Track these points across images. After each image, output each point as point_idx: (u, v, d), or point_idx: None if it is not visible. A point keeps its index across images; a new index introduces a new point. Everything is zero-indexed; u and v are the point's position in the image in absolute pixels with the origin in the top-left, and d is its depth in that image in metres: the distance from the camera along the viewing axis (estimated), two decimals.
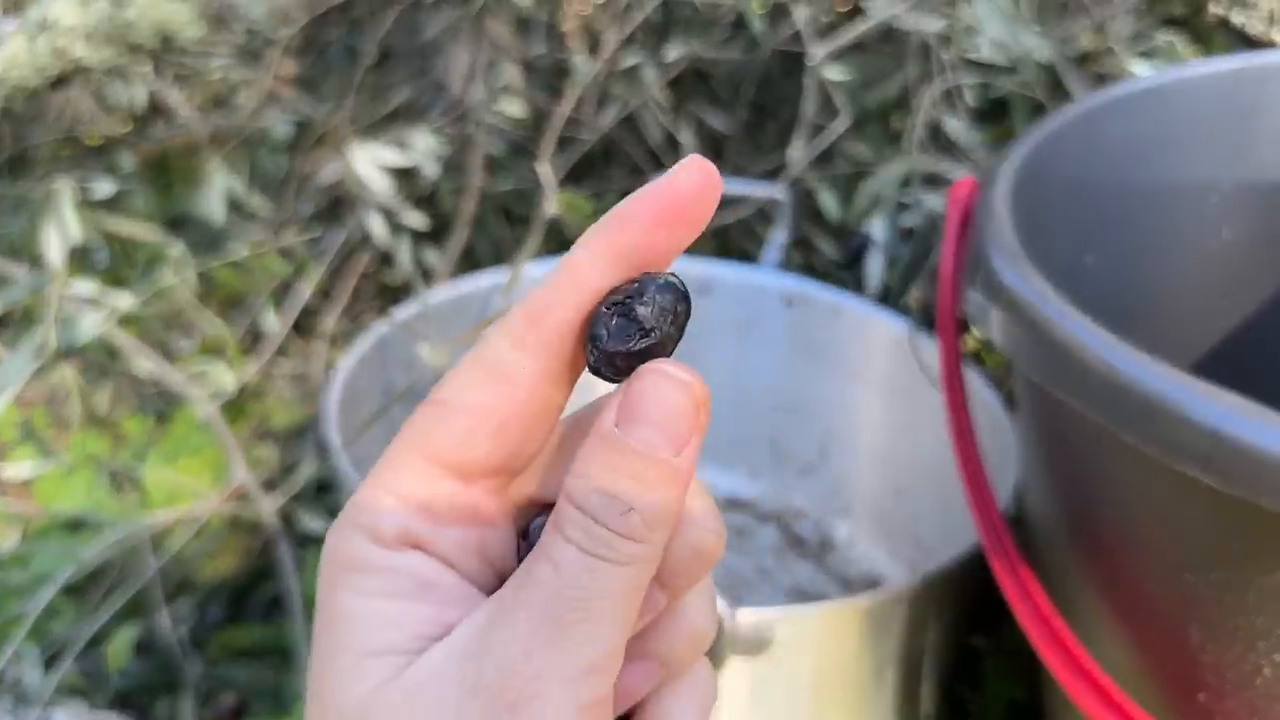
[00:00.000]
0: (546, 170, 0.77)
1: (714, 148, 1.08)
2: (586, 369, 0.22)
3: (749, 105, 1.03)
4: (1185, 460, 0.39)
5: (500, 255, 1.07)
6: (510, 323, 0.21)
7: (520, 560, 0.21)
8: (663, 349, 0.21)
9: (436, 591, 0.21)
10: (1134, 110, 0.67)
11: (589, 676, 0.20)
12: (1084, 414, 0.43)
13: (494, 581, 0.22)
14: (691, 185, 0.21)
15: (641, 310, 0.20)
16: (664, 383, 0.20)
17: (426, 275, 1.03)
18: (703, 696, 0.23)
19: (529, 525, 0.23)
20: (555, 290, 0.21)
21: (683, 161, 0.21)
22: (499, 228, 1.07)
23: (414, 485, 0.21)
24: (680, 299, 0.21)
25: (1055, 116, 0.64)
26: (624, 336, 0.21)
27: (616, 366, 0.21)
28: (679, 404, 0.20)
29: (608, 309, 0.21)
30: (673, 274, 0.21)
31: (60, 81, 1.15)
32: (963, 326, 0.58)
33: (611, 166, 1.20)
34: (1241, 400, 0.38)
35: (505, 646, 0.20)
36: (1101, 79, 0.86)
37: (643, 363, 0.21)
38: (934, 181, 0.80)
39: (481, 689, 0.20)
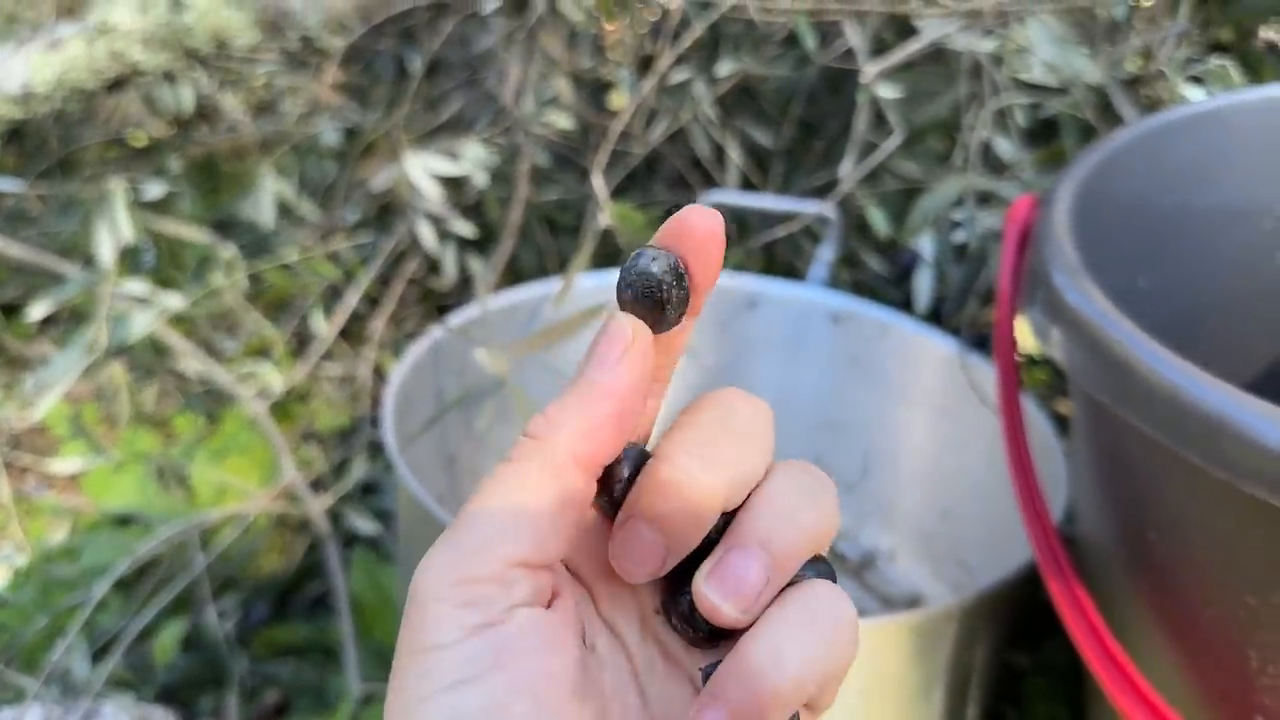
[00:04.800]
0: (600, 182, 0.78)
1: (759, 163, 1.08)
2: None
3: (795, 122, 1.03)
4: (1252, 482, 0.38)
5: (543, 264, 1.08)
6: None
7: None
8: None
9: None
10: (1192, 133, 0.67)
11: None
12: (1145, 434, 0.43)
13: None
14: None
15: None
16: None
17: (467, 282, 1.04)
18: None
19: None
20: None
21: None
22: (543, 238, 1.08)
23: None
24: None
25: (1114, 138, 0.63)
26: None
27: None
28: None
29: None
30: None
31: (114, 84, 1.17)
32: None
33: (654, 180, 1.21)
34: None
35: None
36: (1151, 102, 0.86)
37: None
38: (985, 200, 0.80)
39: None
